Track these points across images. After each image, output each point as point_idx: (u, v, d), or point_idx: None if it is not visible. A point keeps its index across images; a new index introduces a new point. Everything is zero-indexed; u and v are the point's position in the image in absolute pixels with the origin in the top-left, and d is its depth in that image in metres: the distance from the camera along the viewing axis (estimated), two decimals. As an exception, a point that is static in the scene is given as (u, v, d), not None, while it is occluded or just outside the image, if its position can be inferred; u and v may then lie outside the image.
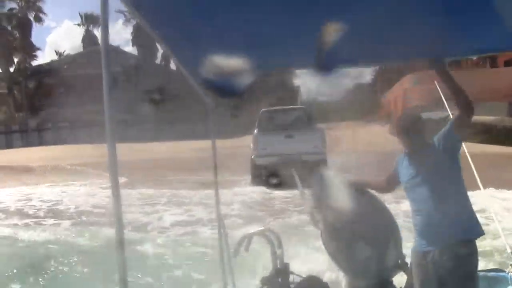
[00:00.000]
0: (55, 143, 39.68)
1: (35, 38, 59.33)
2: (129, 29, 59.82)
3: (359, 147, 23.29)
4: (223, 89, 3.24)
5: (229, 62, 3.07)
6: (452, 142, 3.99)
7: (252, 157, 19.26)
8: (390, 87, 43.05)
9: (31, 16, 57.20)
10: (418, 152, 4.05)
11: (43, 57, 61.77)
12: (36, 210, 15.59)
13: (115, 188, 2.20)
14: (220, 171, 5.02)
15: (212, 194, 4.85)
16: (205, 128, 4.66)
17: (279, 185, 16.22)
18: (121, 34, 77.51)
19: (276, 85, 49.88)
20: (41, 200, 17.13)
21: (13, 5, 57.09)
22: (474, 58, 51.27)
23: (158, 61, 58.53)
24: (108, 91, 2.32)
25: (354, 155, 17.42)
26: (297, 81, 62.72)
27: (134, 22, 57.07)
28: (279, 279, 4.11)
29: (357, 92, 57.87)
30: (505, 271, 4.93)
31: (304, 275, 4.28)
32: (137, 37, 56.92)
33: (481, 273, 5.04)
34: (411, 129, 4.07)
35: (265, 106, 22.24)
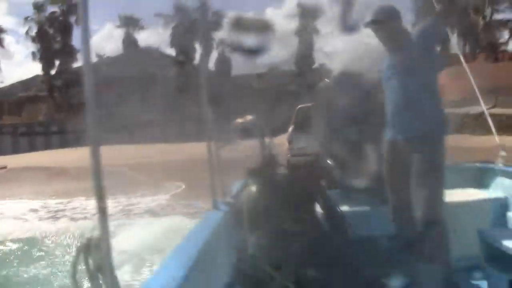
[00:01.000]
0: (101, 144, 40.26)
1: (76, 41, 59.66)
2: (168, 31, 60.21)
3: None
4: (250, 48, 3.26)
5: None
6: (429, 39, 4.00)
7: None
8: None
9: (72, 20, 57.84)
10: (396, 46, 4.06)
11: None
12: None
13: (99, 194, 2.12)
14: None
15: None
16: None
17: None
18: (161, 35, 77.88)
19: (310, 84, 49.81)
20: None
21: (55, 8, 57.87)
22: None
23: (195, 62, 58.88)
24: (91, 94, 2.23)
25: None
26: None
27: (173, 24, 57.69)
28: (266, 170, 3.95)
29: None
30: (493, 163, 5.02)
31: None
32: (176, 39, 57.30)
33: (469, 165, 5.11)
34: (386, 24, 4.06)
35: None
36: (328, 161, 4.38)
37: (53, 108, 54.60)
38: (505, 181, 4.70)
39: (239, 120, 4.30)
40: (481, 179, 4.98)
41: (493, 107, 27.85)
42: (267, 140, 4.26)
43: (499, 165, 4.86)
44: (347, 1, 2.64)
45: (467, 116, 30.10)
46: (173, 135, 34.80)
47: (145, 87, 44.46)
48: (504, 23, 51.52)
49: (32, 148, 45.64)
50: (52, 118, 52.83)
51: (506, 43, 52.19)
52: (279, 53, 62.73)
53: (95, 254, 2.06)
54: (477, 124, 27.82)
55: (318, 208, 4.00)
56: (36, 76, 58.31)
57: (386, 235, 4.09)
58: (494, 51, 49.00)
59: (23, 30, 58.17)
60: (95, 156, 2.15)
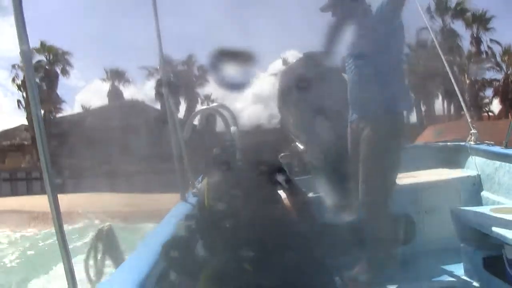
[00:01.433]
0: (73, 191, 40.10)
1: (61, 91, 60.01)
2: (152, 83, 60.75)
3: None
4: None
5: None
6: (389, 14, 3.85)
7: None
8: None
9: (58, 69, 58.07)
10: (357, 21, 4.01)
11: (71, 112, 62.59)
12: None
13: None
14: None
15: None
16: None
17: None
18: (144, 89, 78.53)
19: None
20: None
21: (41, 57, 58.09)
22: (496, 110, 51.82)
23: (180, 115, 59.18)
24: (42, 141, 2.44)
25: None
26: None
27: (157, 76, 58.22)
28: (226, 155, 3.82)
29: None
30: (465, 141, 5.11)
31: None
32: (160, 92, 57.66)
33: (442, 144, 5.09)
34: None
35: None
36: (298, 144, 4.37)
37: (36, 156, 54.27)
38: (477, 159, 4.75)
39: (203, 108, 4.30)
40: (453, 158, 5.04)
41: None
42: (232, 127, 4.16)
43: (470, 143, 4.93)
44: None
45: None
46: (155, 186, 34.65)
47: (127, 139, 44.50)
48: (488, 83, 52.63)
49: (14, 193, 45.46)
50: (35, 166, 52.58)
51: (490, 102, 53.30)
52: (263, 112, 63.75)
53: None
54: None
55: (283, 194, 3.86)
56: (21, 126, 58.20)
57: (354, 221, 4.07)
58: (478, 111, 49.92)
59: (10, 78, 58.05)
60: (54, 201, 2.30)
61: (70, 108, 70.53)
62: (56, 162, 51.38)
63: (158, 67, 54.57)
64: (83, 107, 63.05)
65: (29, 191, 46.23)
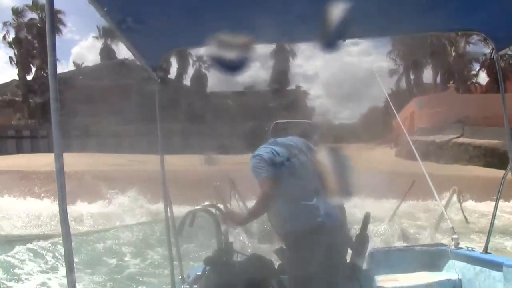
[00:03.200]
0: (65, 150, 40.02)
1: (58, 46, 59.07)
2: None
3: (365, 167, 23.81)
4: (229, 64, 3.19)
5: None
6: None
7: None
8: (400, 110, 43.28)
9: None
10: None
11: (66, 68, 62.01)
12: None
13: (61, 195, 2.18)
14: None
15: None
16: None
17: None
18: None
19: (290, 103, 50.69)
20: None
21: (34, 15, 57.49)
22: (483, 84, 51.92)
23: (172, 76, 59.04)
24: (55, 102, 2.30)
25: (359, 174, 18.08)
26: (310, 102, 63.96)
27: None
28: (223, 259, 3.97)
29: (369, 115, 58.38)
30: (446, 245, 5.05)
31: (248, 254, 4.18)
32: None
33: (423, 248, 5.18)
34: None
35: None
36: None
37: (27, 113, 54.01)
38: (457, 263, 4.76)
39: (196, 208, 4.39)
40: (433, 261, 4.99)
41: (460, 136, 28.24)
42: (223, 226, 4.22)
43: (451, 247, 4.90)
44: (326, 19, 2.60)
45: (432, 144, 30.52)
46: (144, 147, 34.71)
47: (119, 99, 44.31)
48: (475, 56, 52.56)
49: (2, 151, 45.10)
50: (26, 123, 52.25)
51: (477, 75, 53.30)
52: (257, 72, 63.19)
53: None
54: (442, 153, 28.20)
55: None
56: (12, 81, 57.77)
57: None
58: (464, 83, 49.99)
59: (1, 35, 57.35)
60: (59, 161, 2.20)
61: (65, 63, 70.16)
62: (48, 120, 51.39)
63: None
64: (75, 64, 62.75)
65: (18, 150, 45.80)
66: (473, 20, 4.00)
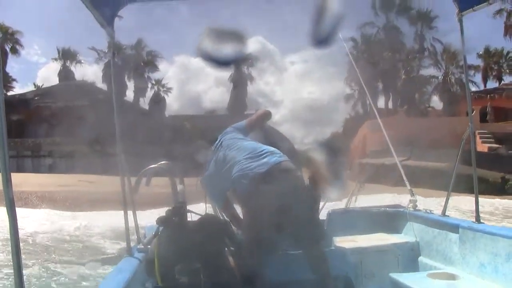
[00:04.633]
0: (18, 171, 39.03)
1: (10, 69, 58.14)
2: (101, 66, 59.87)
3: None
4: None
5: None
6: None
7: None
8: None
9: (7, 47, 56.38)
10: None
11: (22, 91, 61.08)
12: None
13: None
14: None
15: None
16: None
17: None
18: (93, 71, 77.58)
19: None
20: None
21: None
22: (433, 107, 52.99)
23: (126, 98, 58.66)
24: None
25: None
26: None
27: (105, 60, 57.30)
28: (176, 218, 3.82)
29: (329, 139, 58.96)
30: (404, 207, 5.08)
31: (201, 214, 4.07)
32: (107, 74, 56.99)
33: (382, 209, 5.18)
34: None
35: None
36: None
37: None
38: (415, 225, 4.76)
39: (152, 166, 4.27)
40: (391, 223, 5.02)
41: (408, 159, 28.70)
42: (179, 186, 4.20)
43: (409, 209, 4.92)
44: (317, 14, 2.60)
45: (382, 167, 30.89)
46: (95, 167, 34.23)
47: (73, 119, 43.68)
48: (427, 79, 53.65)
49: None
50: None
51: (429, 98, 54.38)
52: (215, 97, 63.43)
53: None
54: (391, 175, 28.52)
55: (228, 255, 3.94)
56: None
57: (303, 279, 3.99)
58: (415, 107, 50.94)
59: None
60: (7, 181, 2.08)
61: (27, 85, 68.95)
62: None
63: (107, 50, 54.04)
64: (35, 85, 61.79)
65: None
66: None
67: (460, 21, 4.42)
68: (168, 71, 70.48)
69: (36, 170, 38.00)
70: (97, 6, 3.82)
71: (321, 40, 2.90)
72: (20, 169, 40.00)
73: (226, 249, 3.90)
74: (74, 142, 42.04)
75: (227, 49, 2.99)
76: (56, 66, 62.36)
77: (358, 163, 36.15)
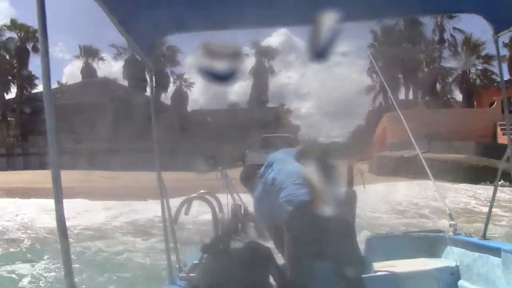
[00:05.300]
0: (40, 167, 39.43)
1: (32, 67, 58.69)
2: (121, 62, 60.29)
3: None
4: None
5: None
6: None
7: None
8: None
9: (29, 46, 56.88)
10: None
11: (53, 87, 61.37)
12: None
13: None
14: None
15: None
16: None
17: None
18: (112, 67, 77.95)
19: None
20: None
21: (13, 34, 56.96)
22: (454, 99, 52.36)
23: (147, 93, 58.85)
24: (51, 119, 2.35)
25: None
26: (293, 119, 64.67)
27: (125, 56, 57.69)
28: (220, 246, 3.88)
29: (353, 132, 59.03)
30: (444, 232, 5.02)
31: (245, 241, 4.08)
32: (127, 70, 57.33)
33: (421, 234, 5.17)
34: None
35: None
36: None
37: (5, 132, 53.30)
38: (455, 249, 4.71)
39: (192, 195, 4.32)
40: (431, 248, 4.97)
41: (427, 151, 28.48)
42: (219, 214, 4.28)
43: (449, 233, 4.87)
44: (315, 30, 2.59)
45: (401, 159, 30.75)
46: (117, 163, 34.47)
47: (95, 116, 44.04)
48: (447, 71, 53.08)
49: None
50: (4, 141, 51.55)
51: (450, 90, 53.77)
52: (237, 90, 63.54)
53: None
54: (410, 168, 28.35)
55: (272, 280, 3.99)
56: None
57: None
58: (436, 98, 50.41)
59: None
60: (56, 180, 2.23)
61: (53, 83, 69.58)
62: (26, 139, 50.76)
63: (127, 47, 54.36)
64: (59, 83, 62.42)
65: None
66: (471, 1, 4.01)
67: (496, 42, 4.35)
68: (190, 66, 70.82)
69: (63, 167, 38.29)
70: (135, 38, 3.88)
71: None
72: (42, 167, 40.42)
73: (270, 276, 3.94)
74: (94, 138, 42.37)
75: (223, 65, 2.99)
76: (79, 63, 63.06)
77: (378, 156, 35.93)
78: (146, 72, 4.68)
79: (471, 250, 4.50)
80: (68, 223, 2.17)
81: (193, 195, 4.25)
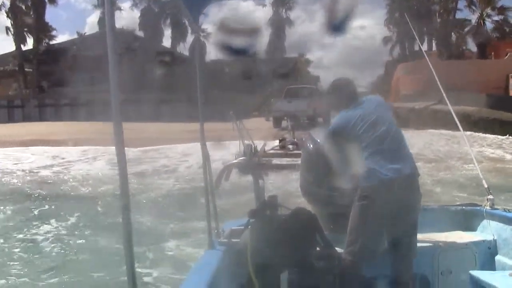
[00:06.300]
0: (57, 119, 39.44)
1: (49, 18, 58.27)
2: (137, 13, 59.80)
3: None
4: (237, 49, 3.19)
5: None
6: None
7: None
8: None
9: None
10: None
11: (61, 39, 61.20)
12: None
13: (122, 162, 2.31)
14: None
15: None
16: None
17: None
18: (128, 17, 77.28)
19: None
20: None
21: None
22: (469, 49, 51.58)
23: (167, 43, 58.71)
24: (114, 71, 2.36)
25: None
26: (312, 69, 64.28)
27: (142, 6, 57.13)
28: (268, 212, 3.94)
29: (371, 83, 58.71)
30: (481, 205, 4.94)
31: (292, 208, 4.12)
32: (144, 20, 56.89)
33: (458, 207, 5.11)
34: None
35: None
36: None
37: (23, 83, 53.27)
38: (493, 223, 4.67)
39: (232, 162, 4.27)
40: (468, 221, 4.94)
41: (438, 103, 28.24)
42: (261, 182, 4.23)
43: (486, 207, 4.81)
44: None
45: (412, 111, 30.53)
46: (132, 115, 34.66)
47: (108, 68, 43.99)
48: (461, 22, 52.21)
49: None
50: (20, 93, 51.56)
51: (464, 41, 52.98)
52: (254, 40, 63.01)
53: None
54: (420, 119, 28.19)
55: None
56: (13, 52, 56.78)
57: (384, 275, 4.08)
58: (447, 49, 49.75)
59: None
60: (118, 129, 2.33)
61: (74, 34, 69.53)
62: (43, 90, 50.78)
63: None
64: (78, 34, 62.12)
65: (10, 119, 44.76)
66: None
67: None
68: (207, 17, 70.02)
69: (74, 118, 38.36)
70: (186, 3, 3.95)
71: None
72: (58, 118, 40.58)
73: (316, 242, 3.97)
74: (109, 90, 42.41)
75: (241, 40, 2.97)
76: (98, 13, 62.53)
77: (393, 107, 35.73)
78: (190, 34, 4.67)
79: (509, 224, 4.47)
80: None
81: (233, 161, 4.24)
